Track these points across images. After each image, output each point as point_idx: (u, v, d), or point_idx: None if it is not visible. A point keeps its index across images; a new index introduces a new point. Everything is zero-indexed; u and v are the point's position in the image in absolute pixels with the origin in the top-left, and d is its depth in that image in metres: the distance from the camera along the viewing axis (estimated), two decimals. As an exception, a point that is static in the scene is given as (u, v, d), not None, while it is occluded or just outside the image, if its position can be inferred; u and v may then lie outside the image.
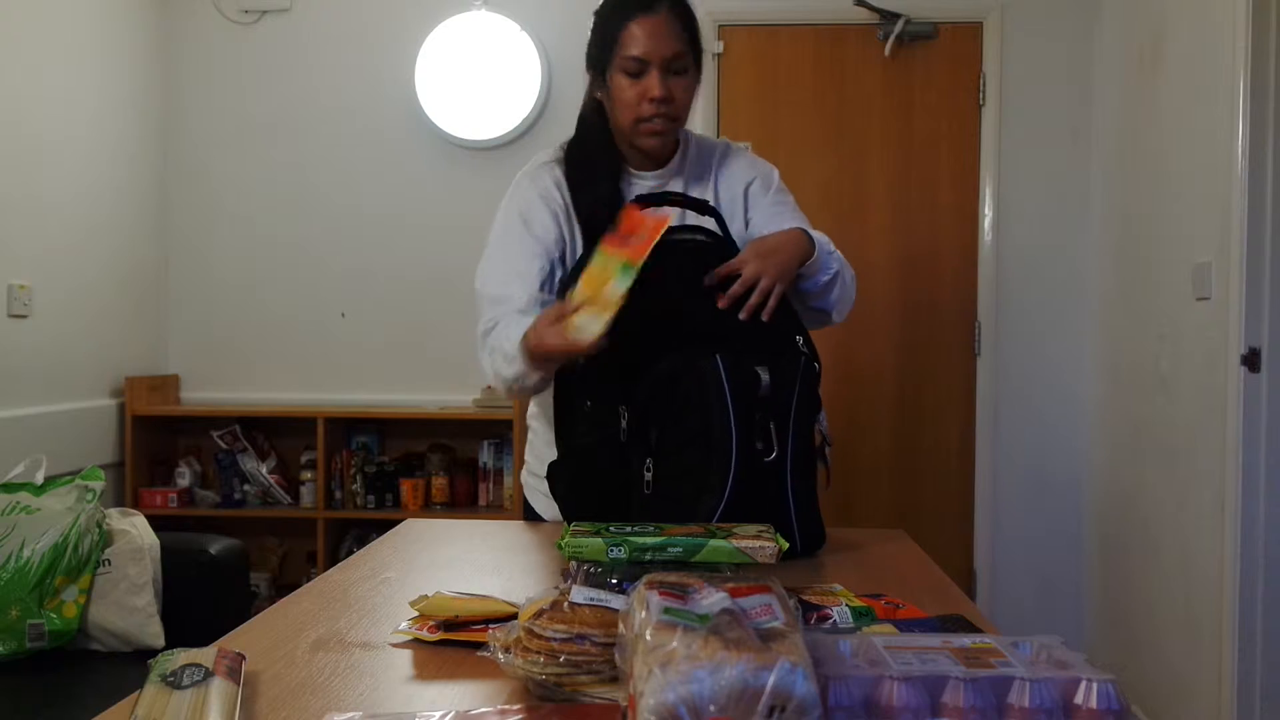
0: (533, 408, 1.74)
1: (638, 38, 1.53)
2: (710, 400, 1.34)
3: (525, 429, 1.78)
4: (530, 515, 1.73)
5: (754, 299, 1.42)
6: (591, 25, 1.61)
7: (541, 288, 1.55)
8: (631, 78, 1.55)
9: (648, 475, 1.37)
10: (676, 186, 1.65)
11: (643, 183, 1.65)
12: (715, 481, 1.34)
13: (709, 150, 1.72)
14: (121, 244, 3.48)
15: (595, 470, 1.44)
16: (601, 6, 1.61)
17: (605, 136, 1.63)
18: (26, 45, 2.99)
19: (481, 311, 1.57)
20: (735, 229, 1.62)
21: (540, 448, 1.67)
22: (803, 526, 1.39)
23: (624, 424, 1.38)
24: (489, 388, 3.49)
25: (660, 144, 1.61)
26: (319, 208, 3.69)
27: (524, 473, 1.77)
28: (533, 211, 1.60)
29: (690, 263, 1.47)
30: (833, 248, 1.61)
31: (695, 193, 1.64)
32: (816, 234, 1.59)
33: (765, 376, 1.35)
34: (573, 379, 1.49)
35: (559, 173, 1.63)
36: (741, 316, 1.41)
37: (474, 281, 1.61)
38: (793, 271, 1.51)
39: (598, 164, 1.62)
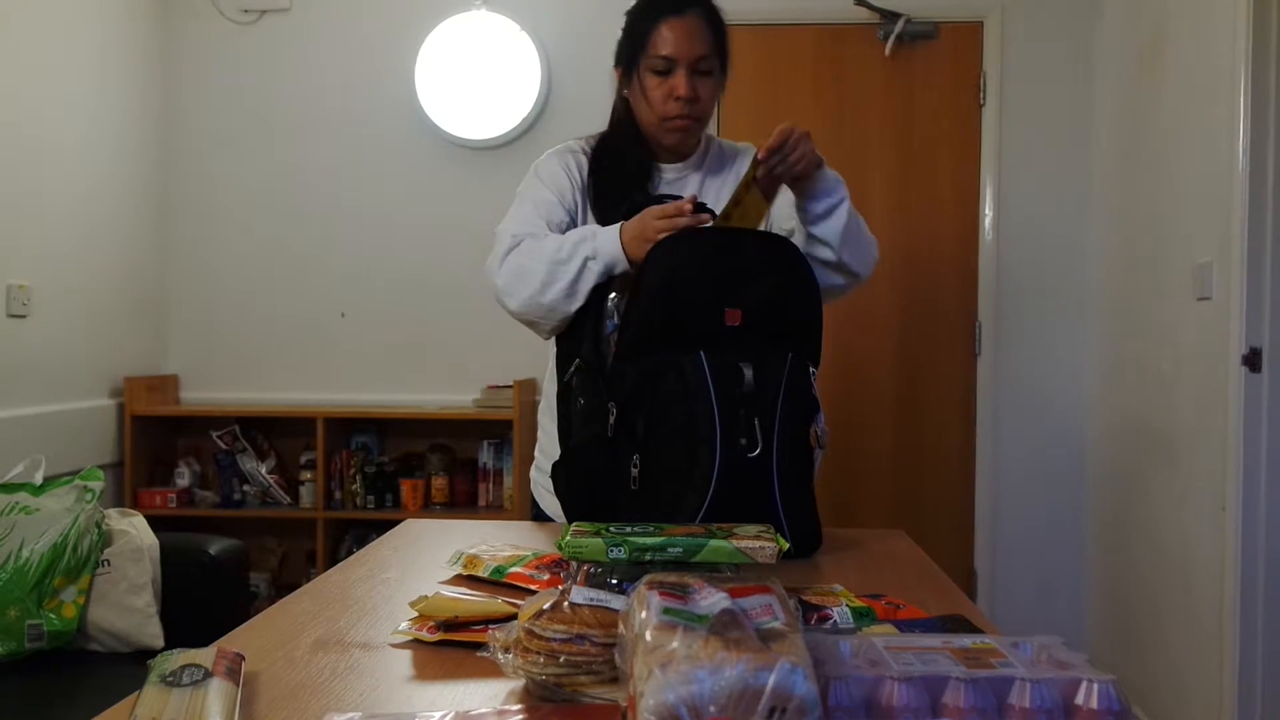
0: (544, 405, 1.75)
1: (667, 38, 1.61)
2: (693, 397, 1.34)
3: (524, 429, 1.79)
4: (538, 514, 1.74)
5: (788, 141, 1.47)
6: (623, 25, 1.68)
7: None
8: (659, 76, 1.62)
9: (634, 472, 1.37)
10: (696, 178, 1.73)
11: (666, 174, 1.72)
12: (699, 479, 1.34)
13: (732, 150, 1.79)
14: (121, 244, 3.48)
15: (588, 468, 1.45)
16: (633, 7, 1.69)
17: (635, 130, 1.70)
18: (26, 45, 2.99)
19: (498, 243, 1.62)
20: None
21: (549, 447, 1.68)
22: (793, 526, 1.37)
23: (611, 421, 1.38)
24: (490, 387, 3.49)
25: (682, 140, 1.69)
26: (319, 207, 3.68)
27: (533, 470, 1.78)
28: (552, 176, 1.69)
29: (688, 253, 1.47)
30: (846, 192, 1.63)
31: (712, 185, 1.72)
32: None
33: (749, 373, 1.35)
34: (571, 379, 1.49)
35: (583, 158, 1.72)
36: (760, 156, 1.48)
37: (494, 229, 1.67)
38: (816, 162, 1.53)
39: (627, 152, 1.70)
